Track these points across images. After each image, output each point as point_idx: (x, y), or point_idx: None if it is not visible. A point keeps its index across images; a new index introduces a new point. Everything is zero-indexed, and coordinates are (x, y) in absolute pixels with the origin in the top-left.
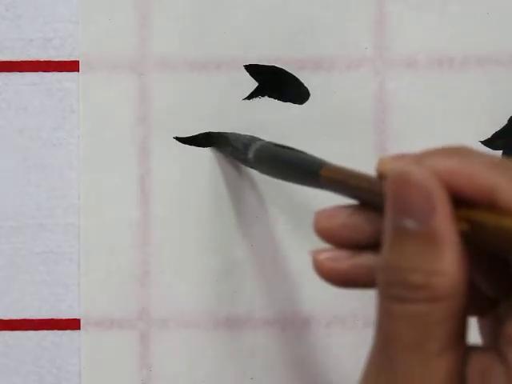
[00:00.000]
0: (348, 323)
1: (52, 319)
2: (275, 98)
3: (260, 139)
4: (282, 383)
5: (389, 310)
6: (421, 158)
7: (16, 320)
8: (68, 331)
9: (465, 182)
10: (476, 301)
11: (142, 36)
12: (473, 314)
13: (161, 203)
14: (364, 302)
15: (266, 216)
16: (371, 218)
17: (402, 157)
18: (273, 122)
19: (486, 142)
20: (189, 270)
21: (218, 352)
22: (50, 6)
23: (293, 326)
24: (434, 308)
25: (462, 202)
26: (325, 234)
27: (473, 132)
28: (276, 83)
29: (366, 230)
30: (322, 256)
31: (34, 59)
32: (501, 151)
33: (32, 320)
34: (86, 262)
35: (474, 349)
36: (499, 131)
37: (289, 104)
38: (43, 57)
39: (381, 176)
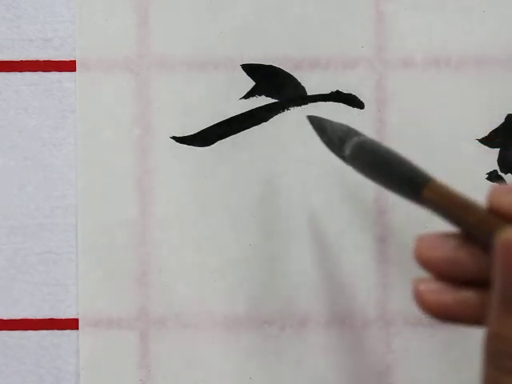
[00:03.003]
0: (346, 323)
1: (51, 319)
2: (272, 97)
3: (357, 132)
4: (281, 383)
5: (497, 380)
6: None
7: (16, 320)
8: (67, 331)
9: None
10: None
11: (140, 36)
12: None
13: (159, 203)
14: (362, 301)
15: (263, 216)
16: (478, 254)
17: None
18: (270, 121)
19: (484, 141)
20: (187, 269)
21: (216, 352)
22: (49, 6)
23: (291, 326)
24: None
25: None
26: (427, 264)
27: (470, 130)
28: (273, 82)
29: (471, 265)
30: (425, 287)
31: (34, 59)
32: (498, 149)
33: (31, 320)
34: (84, 262)
35: None
36: (496, 129)
37: (286, 103)
38: (43, 57)
39: (492, 209)
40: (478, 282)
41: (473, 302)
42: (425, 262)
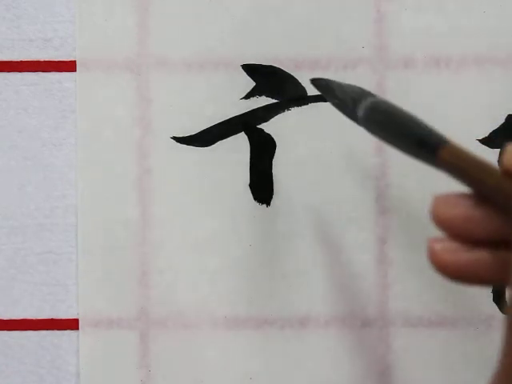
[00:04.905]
0: (346, 323)
1: (51, 319)
2: (272, 98)
3: (371, 94)
4: (281, 383)
5: None
6: None
7: (16, 320)
8: (67, 331)
9: None
10: None
11: (140, 36)
12: None
13: (159, 203)
14: (362, 302)
15: (264, 216)
16: (494, 214)
17: None
18: (270, 121)
19: (484, 141)
20: (187, 269)
21: (216, 352)
22: (49, 6)
23: (291, 326)
24: None
25: None
26: (443, 222)
27: (470, 130)
28: (273, 83)
29: (487, 225)
30: (440, 246)
31: (34, 59)
32: (498, 149)
33: (31, 320)
34: (84, 262)
35: None
36: (497, 130)
37: (286, 104)
38: (43, 57)
39: (506, 171)
40: (493, 242)
41: (487, 261)
42: (441, 221)
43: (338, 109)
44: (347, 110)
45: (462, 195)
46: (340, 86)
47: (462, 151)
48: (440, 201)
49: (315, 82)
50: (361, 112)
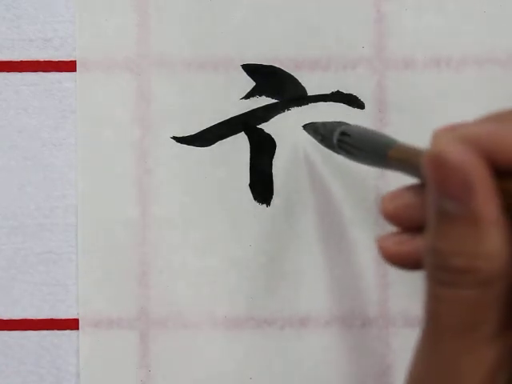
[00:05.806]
0: (346, 323)
1: (51, 319)
2: (272, 98)
3: (345, 123)
4: (281, 383)
5: (435, 293)
6: (464, 127)
7: (15, 320)
8: (67, 331)
9: (503, 151)
10: None
11: (140, 36)
12: None
13: (159, 203)
14: (362, 301)
15: (264, 216)
16: None
17: (454, 128)
18: (270, 121)
19: None
20: (187, 269)
21: (216, 352)
22: (49, 6)
23: (291, 326)
24: (481, 292)
25: (505, 172)
26: (388, 214)
27: None
28: (273, 83)
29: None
30: (386, 241)
31: (34, 59)
32: None
33: (31, 320)
34: (84, 262)
35: None
36: None
37: (286, 104)
38: (43, 57)
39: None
40: None
41: None
42: (386, 212)
43: (323, 144)
44: (328, 142)
45: (406, 187)
46: (323, 123)
47: (408, 148)
48: (386, 196)
49: (305, 127)
50: (334, 139)
